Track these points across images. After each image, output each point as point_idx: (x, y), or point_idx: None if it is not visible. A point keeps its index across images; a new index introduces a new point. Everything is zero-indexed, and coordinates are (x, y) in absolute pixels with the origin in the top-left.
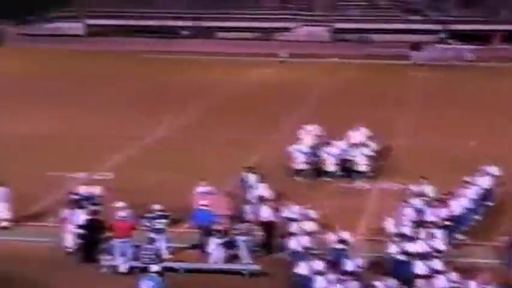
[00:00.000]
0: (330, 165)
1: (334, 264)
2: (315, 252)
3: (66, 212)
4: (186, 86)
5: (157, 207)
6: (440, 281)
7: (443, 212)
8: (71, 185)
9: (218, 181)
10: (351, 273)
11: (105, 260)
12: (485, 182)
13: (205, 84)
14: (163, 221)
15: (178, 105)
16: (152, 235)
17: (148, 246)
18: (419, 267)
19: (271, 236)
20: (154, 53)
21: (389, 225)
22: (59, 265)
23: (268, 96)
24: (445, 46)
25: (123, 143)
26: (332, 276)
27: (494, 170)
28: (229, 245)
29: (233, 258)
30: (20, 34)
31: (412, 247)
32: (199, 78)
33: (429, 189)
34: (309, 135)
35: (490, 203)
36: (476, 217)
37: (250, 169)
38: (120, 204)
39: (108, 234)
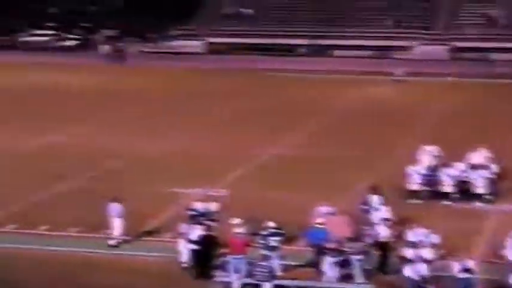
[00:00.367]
0: (448, 187)
1: None
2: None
3: (182, 227)
4: (303, 104)
5: (271, 224)
6: None
7: None
8: (188, 201)
9: (332, 200)
10: None
11: (219, 276)
12: None
13: (321, 102)
14: (277, 238)
15: (295, 122)
16: (266, 252)
17: (262, 263)
18: None
19: (387, 257)
20: (272, 71)
21: (509, 252)
22: (175, 280)
23: (384, 115)
24: None
25: (239, 160)
26: None
27: None
28: (344, 264)
29: (347, 277)
30: (141, 52)
31: None
32: (316, 96)
33: None
34: (427, 155)
35: None
36: None
37: (374, 190)
38: (236, 220)
39: (223, 250)
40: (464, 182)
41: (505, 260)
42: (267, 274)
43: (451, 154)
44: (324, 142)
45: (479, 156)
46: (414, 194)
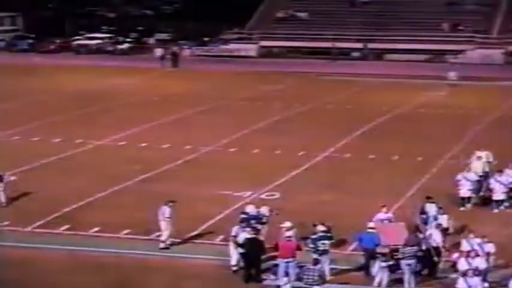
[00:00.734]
0: (499, 194)
1: None
2: None
3: (233, 230)
4: (356, 107)
5: (321, 228)
6: None
7: None
8: (240, 203)
9: (385, 204)
10: None
11: (269, 279)
12: None
13: (375, 106)
14: (327, 242)
15: (348, 126)
16: (316, 256)
17: (312, 267)
18: None
19: (438, 262)
20: (325, 75)
21: None
22: (225, 283)
23: (437, 120)
24: None
25: (292, 163)
26: None
27: None
28: (394, 268)
29: (397, 282)
30: (195, 55)
31: None
32: (369, 100)
33: None
34: (479, 161)
35: None
36: None
37: (430, 199)
38: (286, 224)
39: (273, 253)
40: None
41: None
42: (316, 278)
43: (504, 160)
44: (376, 146)
45: None
46: (465, 200)
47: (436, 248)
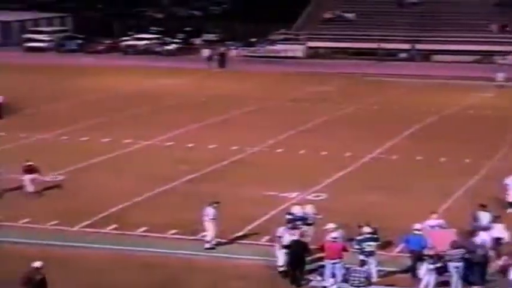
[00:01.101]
0: None
1: None
2: None
3: (279, 231)
4: (403, 108)
5: (367, 229)
6: None
7: None
8: (286, 204)
9: (432, 206)
10: None
11: (315, 280)
12: None
13: (422, 107)
14: (373, 243)
15: (395, 126)
16: (363, 257)
17: (359, 268)
18: None
19: (486, 267)
20: (372, 76)
21: None
22: (270, 284)
23: (485, 121)
24: None
25: (339, 164)
26: None
27: None
28: (441, 270)
29: (444, 284)
30: (241, 56)
31: None
32: (417, 101)
33: None
34: None
35: None
36: None
37: (484, 207)
38: (330, 225)
39: (319, 255)
40: None
41: None
42: (363, 279)
43: None
44: (424, 147)
45: None
46: None
47: (485, 255)
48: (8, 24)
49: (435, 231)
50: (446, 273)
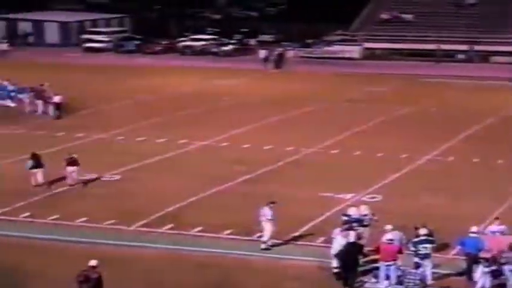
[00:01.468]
0: None
1: None
2: None
3: (335, 233)
4: (461, 110)
5: (423, 231)
6: None
7: None
8: (341, 206)
9: (487, 208)
10: None
11: (370, 282)
12: None
13: (481, 108)
14: (428, 245)
15: (453, 128)
16: (418, 260)
17: (414, 271)
18: None
19: None
20: (429, 77)
21: None
22: (324, 285)
23: None
24: None
25: (394, 166)
26: None
27: None
28: (496, 273)
29: (499, 287)
30: (297, 57)
31: None
32: (475, 102)
33: None
34: None
35: None
36: None
37: None
38: (388, 227)
39: (374, 256)
40: None
41: None
42: (418, 282)
43: None
44: (481, 149)
45: None
46: None
47: None
48: (67, 24)
49: (494, 236)
50: (502, 277)
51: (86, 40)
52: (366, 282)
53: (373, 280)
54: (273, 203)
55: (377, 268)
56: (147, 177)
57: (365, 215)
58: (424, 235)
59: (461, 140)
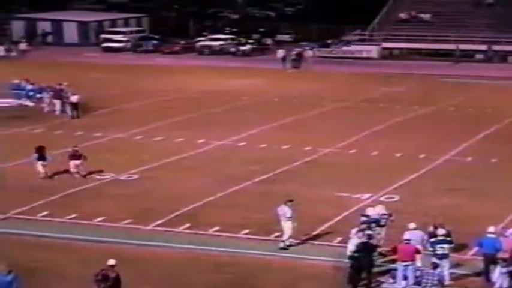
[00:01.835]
0: None
1: None
2: None
3: (352, 233)
4: (479, 110)
5: (441, 231)
6: None
7: None
8: (358, 206)
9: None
10: None
11: (387, 282)
12: None
13: (498, 109)
14: (446, 246)
15: (471, 128)
16: (435, 260)
17: (431, 271)
18: None
19: None
20: (447, 77)
21: None
22: (342, 285)
23: None
24: None
25: (412, 166)
26: None
27: None
28: None
29: None
30: (315, 57)
31: None
32: (493, 103)
33: None
34: None
35: None
36: None
37: None
38: (411, 225)
39: (392, 257)
40: None
41: None
42: (435, 282)
43: None
44: (499, 149)
45: None
46: None
47: None
48: (86, 24)
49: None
50: None
51: (104, 40)
52: (383, 282)
53: (391, 280)
54: (290, 201)
55: (395, 269)
56: (164, 177)
57: (383, 215)
58: (442, 235)
59: (479, 140)
